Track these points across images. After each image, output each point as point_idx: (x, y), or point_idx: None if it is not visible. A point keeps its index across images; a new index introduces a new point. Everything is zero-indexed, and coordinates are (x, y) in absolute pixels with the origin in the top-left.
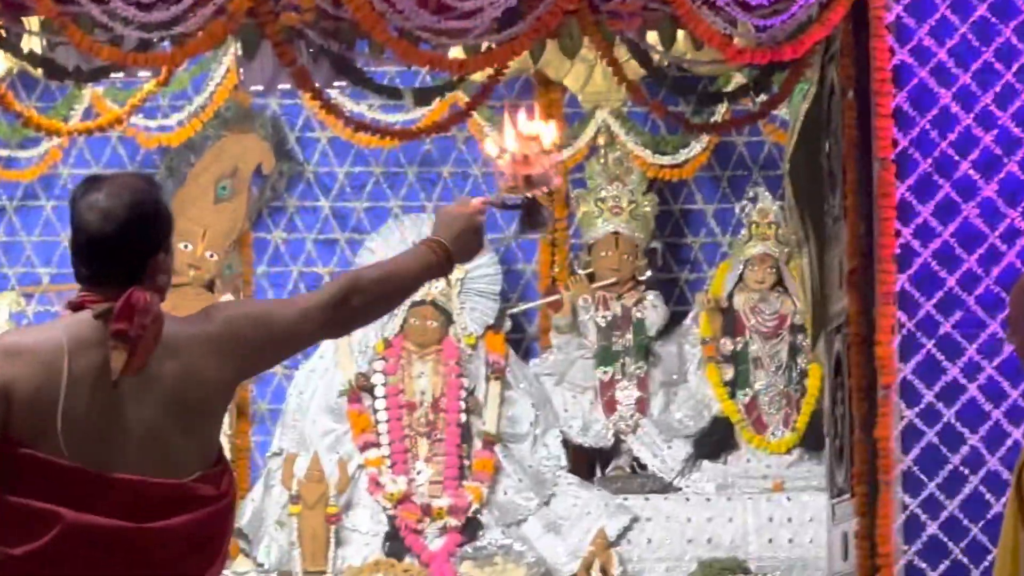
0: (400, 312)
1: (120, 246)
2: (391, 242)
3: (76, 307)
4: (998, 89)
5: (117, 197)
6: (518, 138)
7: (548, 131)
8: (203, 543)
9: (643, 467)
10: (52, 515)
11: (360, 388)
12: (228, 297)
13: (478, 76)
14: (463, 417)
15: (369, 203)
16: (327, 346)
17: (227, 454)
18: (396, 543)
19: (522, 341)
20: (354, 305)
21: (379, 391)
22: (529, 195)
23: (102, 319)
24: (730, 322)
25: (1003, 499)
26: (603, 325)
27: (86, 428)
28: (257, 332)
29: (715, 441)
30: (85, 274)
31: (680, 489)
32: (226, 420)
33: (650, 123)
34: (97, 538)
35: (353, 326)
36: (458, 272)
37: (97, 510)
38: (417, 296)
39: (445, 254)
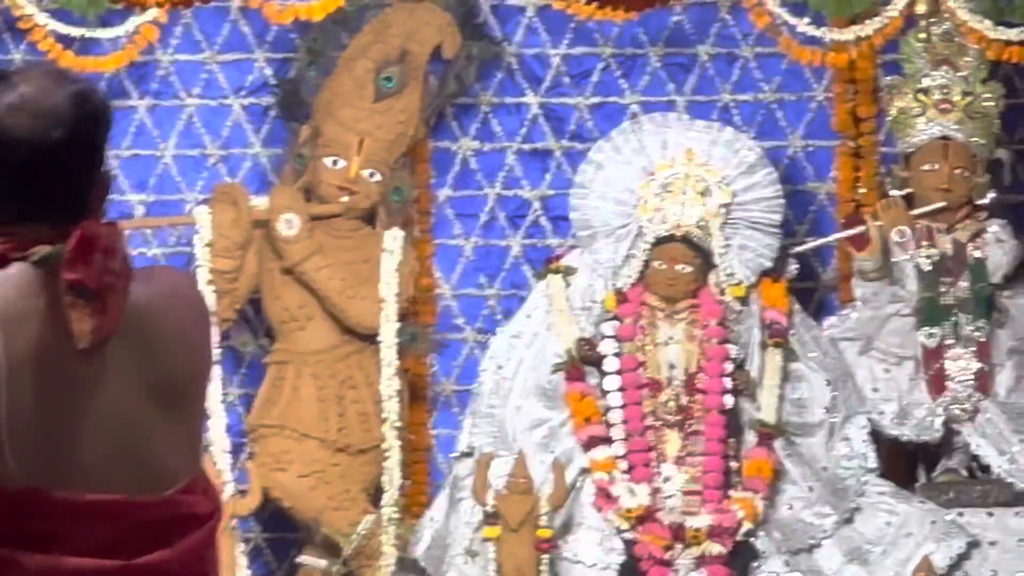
0: (637, 252)
1: (68, 159)
2: (626, 152)
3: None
4: None
5: (52, 89)
6: None
7: None
8: None
9: (985, 469)
10: (7, 563)
11: (584, 360)
12: (397, 233)
13: None
14: (729, 400)
15: (596, 98)
16: (536, 304)
17: (397, 453)
18: None
19: (813, 292)
20: None
21: (610, 364)
22: None
23: (44, 269)
24: None
25: None
26: (928, 268)
27: (40, 432)
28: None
29: None
30: (8, 208)
31: None
32: (395, 407)
33: None
34: None
35: None
36: (721, 195)
37: (67, 547)
38: (663, 228)
39: None
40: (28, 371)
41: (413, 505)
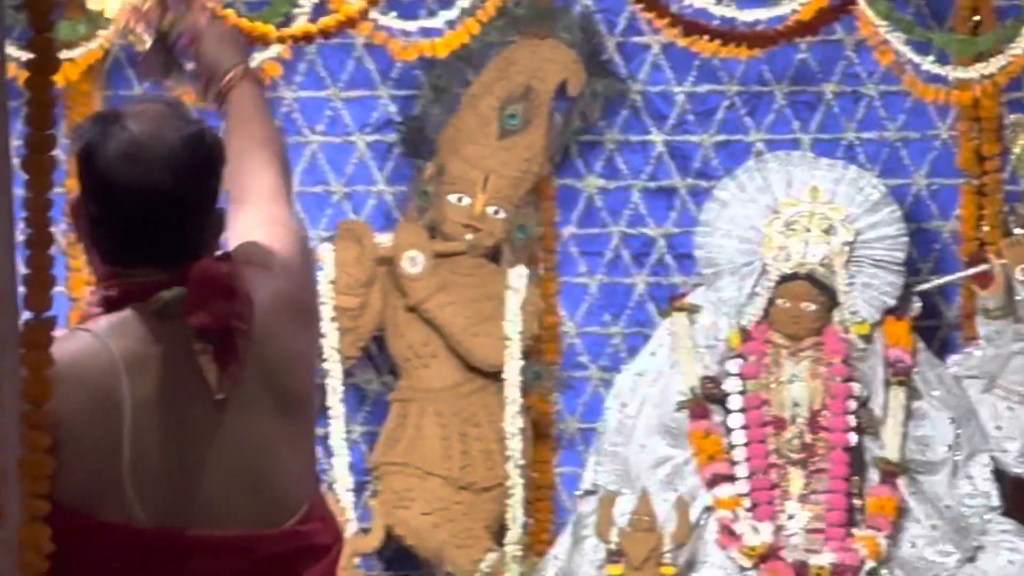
0: (761, 290)
1: (180, 205)
2: (750, 190)
3: (112, 301)
4: None
5: (165, 133)
6: None
7: None
8: None
9: None
10: None
11: (708, 398)
12: (521, 271)
13: None
14: (853, 438)
15: (721, 136)
16: (660, 342)
17: (520, 491)
18: None
19: (936, 330)
20: None
21: (734, 402)
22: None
23: (166, 312)
24: None
25: None
26: None
27: (164, 474)
28: (302, 265)
29: None
30: (123, 252)
31: None
32: (518, 445)
33: None
34: None
35: None
36: (845, 233)
37: None
38: (787, 266)
39: None
40: (152, 417)
41: (537, 543)
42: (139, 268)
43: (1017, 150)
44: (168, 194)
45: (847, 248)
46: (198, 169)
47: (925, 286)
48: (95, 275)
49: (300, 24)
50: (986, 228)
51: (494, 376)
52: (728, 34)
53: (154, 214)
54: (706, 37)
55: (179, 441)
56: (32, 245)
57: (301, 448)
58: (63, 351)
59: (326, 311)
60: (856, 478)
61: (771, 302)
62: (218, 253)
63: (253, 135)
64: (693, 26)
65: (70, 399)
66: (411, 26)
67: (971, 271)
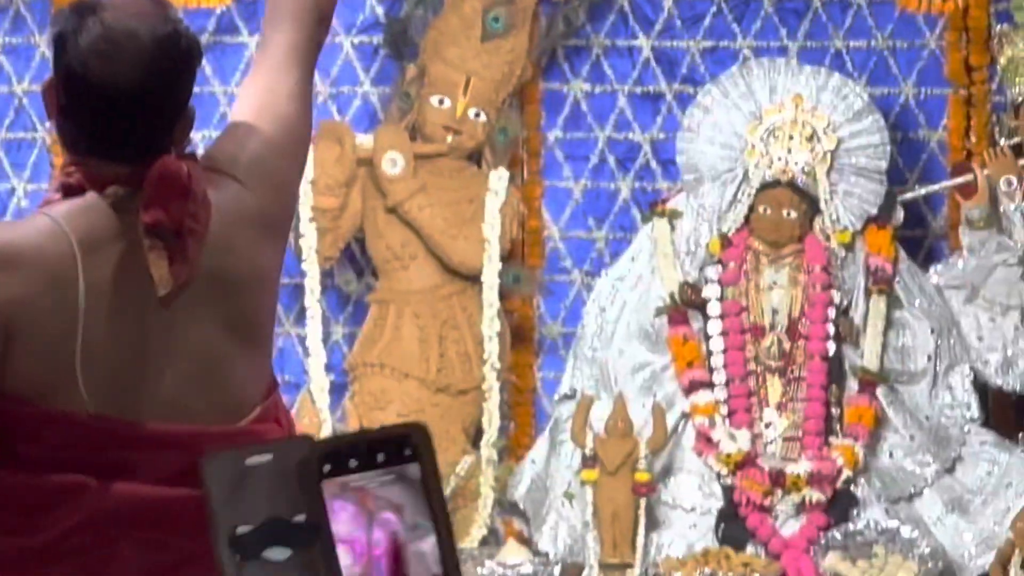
0: (743, 197)
1: (147, 103)
2: (733, 97)
3: (72, 188)
4: None
5: (138, 31)
6: None
7: None
8: None
9: None
10: (76, 489)
11: (687, 304)
12: (502, 173)
13: None
14: (832, 347)
15: (708, 42)
16: (640, 247)
17: (496, 395)
18: (734, 525)
19: (920, 240)
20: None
21: (713, 309)
22: None
23: (122, 205)
24: None
25: None
26: None
27: (114, 364)
28: (292, 159)
29: None
30: (87, 143)
31: None
32: (495, 348)
33: None
34: (142, 513)
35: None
36: (827, 141)
37: (142, 476)
38: (769, 173)
39: None
40: (105, 306)
41: (518, 447)
42: (101, 160)
43: (1004, 60)
44: (134, 92)
45: (829, 156)
46: (169, 70)
47: (908, 195)
48: (62, 160)
49: None
50: (973, 139)
51: (473, 279)
52: None
53: (119, 111)
54: None
55: (129, 334)
56: None
57: (252, 357)
58: (20, 233)
59: (305, 211)
60: (834, 387)
61: (752, 209)
62: (187, 151)
63: None
64: None
65: (26, 282)
66: None
67: (955, 181)
